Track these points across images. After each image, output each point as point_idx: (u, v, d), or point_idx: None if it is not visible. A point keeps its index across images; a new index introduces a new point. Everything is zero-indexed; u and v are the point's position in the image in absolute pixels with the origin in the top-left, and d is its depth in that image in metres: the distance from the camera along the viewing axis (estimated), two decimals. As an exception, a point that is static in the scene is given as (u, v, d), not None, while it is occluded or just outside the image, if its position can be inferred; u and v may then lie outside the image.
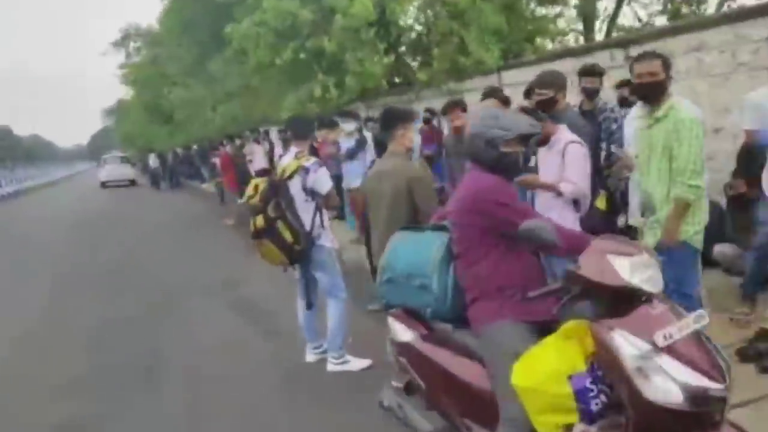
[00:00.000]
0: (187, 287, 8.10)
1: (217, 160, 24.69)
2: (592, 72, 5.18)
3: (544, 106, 4.27)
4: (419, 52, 10.84)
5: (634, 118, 4.31)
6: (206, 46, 17.79)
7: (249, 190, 4.82)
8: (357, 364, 4.83)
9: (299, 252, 4.70)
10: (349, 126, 8.89)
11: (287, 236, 4.66)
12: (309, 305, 4.92)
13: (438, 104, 11.23)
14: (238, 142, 16.17)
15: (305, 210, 4.74)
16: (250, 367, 5.17)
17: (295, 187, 4.74)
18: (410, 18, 11.83)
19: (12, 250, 13.08)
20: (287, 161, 4.87)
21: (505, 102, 5.19)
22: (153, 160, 31.02)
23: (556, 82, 4.43)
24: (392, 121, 3.89)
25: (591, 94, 5.12)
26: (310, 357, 5.03)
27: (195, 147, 31.03)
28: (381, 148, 4.48)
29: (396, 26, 11.26)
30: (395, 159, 3.89)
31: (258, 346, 5.66)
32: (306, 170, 4.74)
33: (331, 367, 4.83)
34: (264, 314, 6.63)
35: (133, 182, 34.07)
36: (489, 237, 2.78)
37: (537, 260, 2.91)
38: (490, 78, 9.26)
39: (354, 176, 8.85)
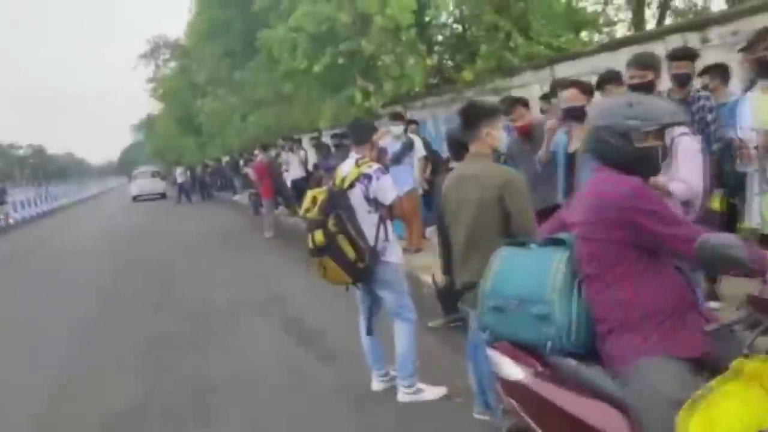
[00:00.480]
0: (232, 304, 7.67)
1: (249, 170, 24.63)
2: (683, 55, 4.60)
3: (640, 91, 3.70)
4: (460, 50, 10.30)
5: (754, 98, 3.72)
6: (236, 54, 17.50)
7: (306, 202, 4.35)
8: (431, 393, 4.32)
9: (363, 270, 4.20)
10: (397, 128, 8.41)
11: (349, 252, 4.17)
12: (368, 330, 4.41)
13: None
14: (273, 151, 15.82)
15: (368, 222, 4.26)
16: (312, 395, 4.69)
17: (356, 196, 4.26)
18: (447, 14, 11.30)
19: (52, 269, 12.84)
20: (347, 169, 4.39)
21: (590, 92, 4.62)
22: (180, 174, 30.79)
23: (654, 64, 3.89)
24: (475, 118, 3.36)
25: (683, 80, 4.54)
26: (377, 385, 4.53)
27: (226, 158, 30.90)
28: (457, 148, 3.94)
29: (435, 26, 10.76)
30: (481, 162, 3.36)
31: (316, 370, 5.18)
32: (368, 178, 4.26)
33: (403, 397, 4.32)
34: (316, 335, 6.15)
35: (163, 195, 34.67)
36: (630, 253, 2.25)
37: (682, 277, 2.37)
38: (540, 73, 8.69)
39: (401, 181, 8.34)
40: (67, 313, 8.29)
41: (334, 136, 12.06)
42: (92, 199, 49.69)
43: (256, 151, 23.55)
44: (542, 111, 8.00)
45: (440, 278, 5.57)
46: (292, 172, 14.43)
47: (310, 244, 4.26)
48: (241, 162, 24.21)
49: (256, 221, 17.22)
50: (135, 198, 34.52)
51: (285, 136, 15.48)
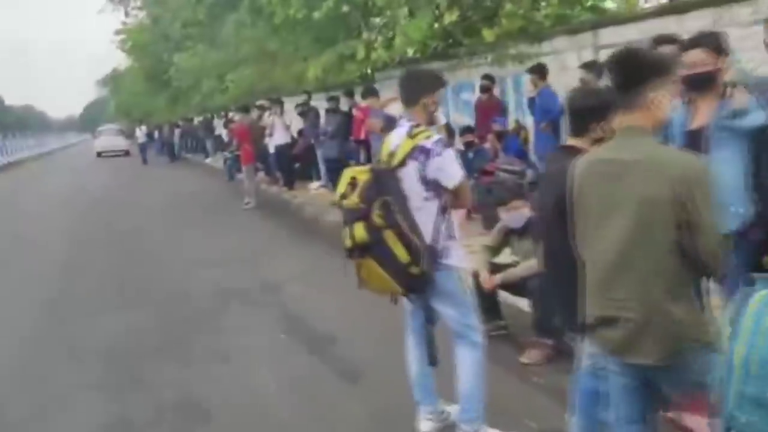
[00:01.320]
0: (217, 295, 6.48)
1: (224, 132, 23.12)
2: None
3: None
4: (477, 8, 9.11)
5: None
6: (216, 5, 16.00)
7: (342, 185, 3.24)
8: (502, 442, 3.30)
9: (417, 276, 3.12)
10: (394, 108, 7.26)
11: (400, 253, 3.08)
12: (432, 360, 3.30)
13: (496, 71, 9.59)
14: (255, 113, 14.51)
15: (425, 212, 3.16)
16: (337, 428, 3.63)
17: (409, 178, 3.16)
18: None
19: (7, 236, 11.46)
20: (397, 140, 3.27)
21: (721, 51, 3.55)
22: (141, 133, 28.68)
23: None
24: (642, 74, 2.24)
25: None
26: (426, 426, 3.45)
27: (199, 119, 29.23)
28: (582, 120, 2.77)
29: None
30: (641, 142, 2.24)
31: (337, 394, 4.08)
32: (425, 152, 3.14)
33: (466, 445, 3.28)
34: (326, 340, 5.03)
35: (126, 153, 34.47)
36: None
37: None
38: (580, 38, 7.57)
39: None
40: (8, 308, 6.66)
41: (331, 99, 10.88)
42: (52, 154, 47.28)
43: (231, 113, 22.26)
44: (583, 82, 6.95)
45: (487, 278, 4.56)
46: (276, 137, 13.17)
47: (348, 242, 3.17)
48: (218, 123, 22.74)
49: (232, 188, 15.94)
50: (99, 154, 34.72)
51: (270, 97, 14.14)
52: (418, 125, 3.24)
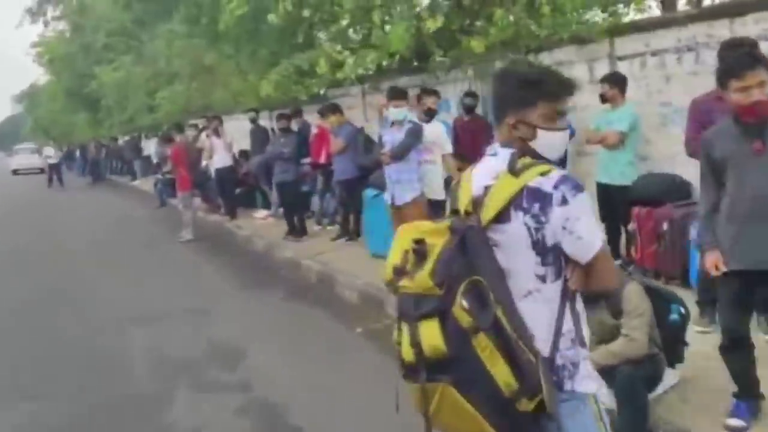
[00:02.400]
0: (156, 367, 4.99)
1: (152, 152, 21.14)
2: None
3: None
4: (468, 15, 7.92)
5: None
6: (147, 12, 14.34)
7: (396, 251, 1.92)
8: None
9: (528, 416, 1.81)
10: (398, 111, 5.97)
11: (501, 376, 1.78)
12: None
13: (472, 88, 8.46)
14: (190, 133, 12.87)
15: (540, 302, 1.88)
16: None
17: (514, 241, 1.86)
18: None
19: None
20: (485, 176, 1.96)
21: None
22: (50, 152, 25.81)
23: None
24: None
25: None
26: None
27: (124, 138, 27.04)
28: None
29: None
30: None
31: None
32: (541, 198, 1.85)
33: None
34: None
35: (42, 171, 32.10)
36: None
37: None
38: (593, 48, 6.45)
39: (405, 185, 5.95)
40: None
41: (281, 118, 9.49)
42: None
43: (163, 133, 20.43)
44: (603, 98, 5.85)
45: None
46: (217, 159, 11.61)
47: (408, 353, 1.84)
48: (146, 143, 20.78)
49: (165, 215, 14.23)
50: (15, 172, 36.01)
51: (207, 115, 12.57)
52: (522, 154, 1.95)
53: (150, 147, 21.21)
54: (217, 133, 11.67)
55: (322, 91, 12.84)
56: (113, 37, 16.89)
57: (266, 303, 6.63)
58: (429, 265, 1.82)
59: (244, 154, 12.85)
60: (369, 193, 7.47)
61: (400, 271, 1.92)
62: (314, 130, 10.08)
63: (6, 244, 11.55)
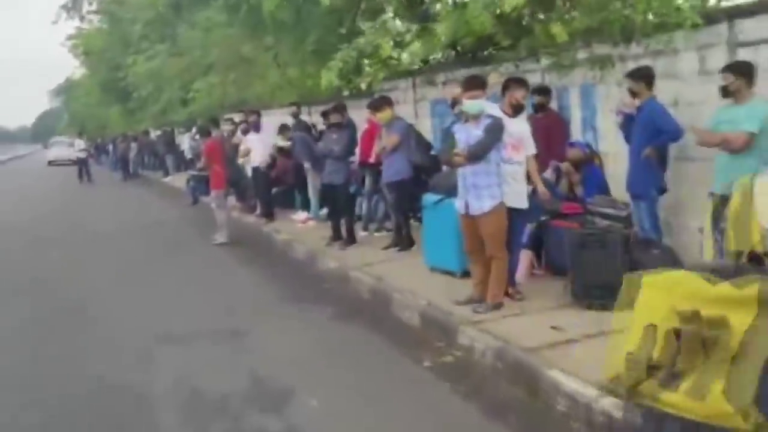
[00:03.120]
0: (183, 406, 4.12)
1: (186, 147, 20.43)
2: None
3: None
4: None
5: None
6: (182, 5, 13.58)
7: (634, 334, 1.12)
8: None
9: None
10: (474, 104, 5.03)
11: None
12: None
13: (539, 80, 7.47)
14: (226, 128, 12.13)
15: None
16: None
17: None
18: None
19: None
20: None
21: None
22: (79, 145, 24.95)
23: None
24: None
25: None
26: None
27: (157, 132, 26.51)
28: None
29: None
30: None
31: None
32: None
33: None
34: None
35: (74, 162, 32.50)
36: None
37: None
38: (706, 33, 5.42)
39: (483, 191, 5.02)
40: None
41: (330, 113, 8.62)
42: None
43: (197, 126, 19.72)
44: (726, 91, 4.84)
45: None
46: (255, 156, 10.80)
47: None
48: (184, 136, 20.08)
49: (197, 214, 13.48)
50: (50, 162, 38.78)
51: (245, 109, 11.77)
52: None
53: (184, 142, 20.54)
54: (255, 128, 10.86)
55: (363, 86, 12.03)
56: (150, 25, 16.16)
57: (312, 323, 5.75)
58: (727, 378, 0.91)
59: (282, 150, 12.01)
60: (429, 198, 6.54)
61: (653, 369, 1.02)
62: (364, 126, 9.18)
63: (23, 249, 10.88)
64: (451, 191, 5.82)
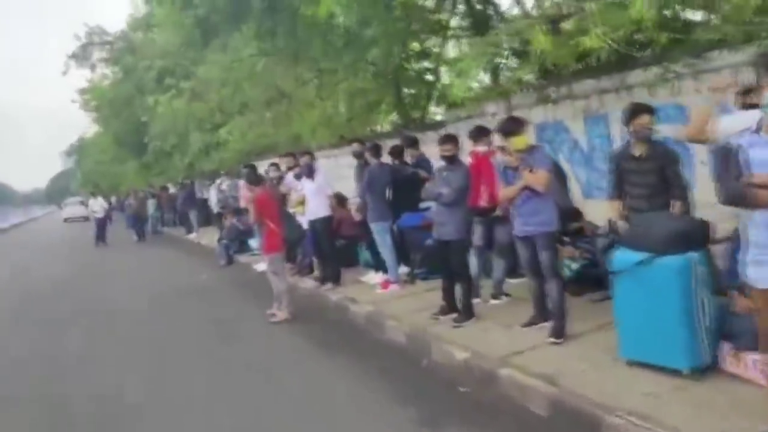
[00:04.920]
0: None
1: (213, 199, 18.20)
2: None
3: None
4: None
5: None
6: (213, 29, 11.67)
7: None
8: None
9: None
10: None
11: None
12: None
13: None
14: (273, 174, 10.06)
15: None
16: None
17: None
18: None
19: None
20: None
21: None
22: (95, 205, 22.18)
23: None
24: None
25: None
26: None
27: (176, 186, 24.52)
28: None
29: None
30: None
31: None
32: None
33: None
34: None
35: (86, 219, 34.70)
36: None
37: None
38: None
39: None
40: None
41: (445, 141, 6.40)
42: (6, 232, 41.97)
43: (222, 178, 17.76)
44: None
45: None
46: (313, 206, 8.69)
47: None
48: (211, 187, 18.02)
49: (237, 278, 11.39)
50: (65, 220, 44.10)
51: (294, 152, 9.70)
52: None
53: (210, 193, 18.53)
54: (309, 172, 8.77)
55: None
56: (169, 63, 14.32)
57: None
58: None
59: (341, 200, 9.93)
60: (625, 257, 4.34)
61: None
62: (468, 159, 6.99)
63: (30, 338, 8.74)
64: (661, 246, 3.83)
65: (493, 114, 8.58)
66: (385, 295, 7.69)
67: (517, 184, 5.34)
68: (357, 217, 8.51)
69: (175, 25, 10.52)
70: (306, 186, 8.79)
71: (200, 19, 9.42)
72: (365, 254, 9.59)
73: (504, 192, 5.52)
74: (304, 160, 8.78)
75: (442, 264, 6.31)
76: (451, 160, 6.10)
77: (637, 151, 4.67)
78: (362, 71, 9.60)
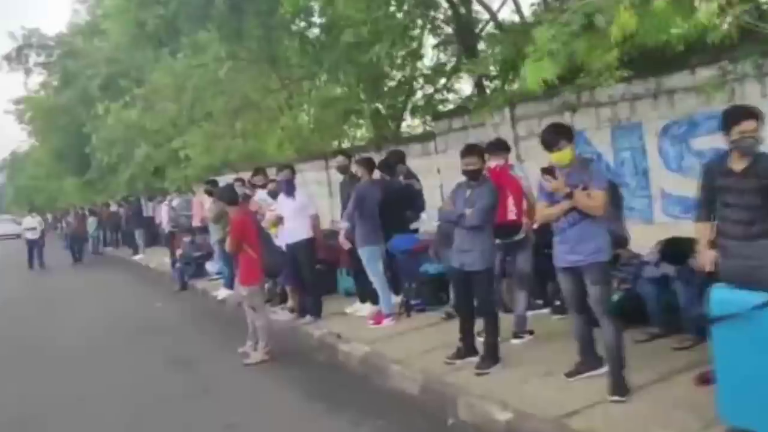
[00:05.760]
0: None
1: (164, 217, 16.60)
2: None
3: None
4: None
5: None
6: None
7: None
8: None
9: None
10: None
11: None
12: None
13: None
14: (239, 191, 8.90)
15: None
16: None
17: None
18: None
19: None
20: None
21: None
22: (33, 222, 19.97)
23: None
24: None
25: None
26: None
27: (117, 204, 22.78)
28: None
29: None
30: None
31: None
32: None
33: None
34: None
35: (18, 236, 29.82)
36: None
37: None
38: None
39: None
40: None
41: (468, 152, 5.36)
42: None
43: (171, 196, 16.36)
44: None
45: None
46: (290, 229, 7.60)
47: None
48: (161, 205, 16.63)
49: (196, 307, 10.17)
50: None
51: (280, 164, 8.55)
52: None
53: (162, 212, 17.09)
54: (288, 189, 7.68)
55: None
56: (118, 69, 12.98)
57: None
58: None
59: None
60: (732, 296, 3.46)
61: None
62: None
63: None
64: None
65: (495, 125, 7.72)
66: (379, 332, 6.65)
67: (563, 203, 4.42)
68: (345, 245, 7.30)
69: (128, 24, 9.30)
70: (284, 205, 7.70)
71: (163, 19, 8.29)
72: (346, 281, 8.58)
73: (546, 212, 4.60)
74: (283, 174, 7.68)
75: (460, 299, 5.34)
76: (476, 175, 5.14)
77: (738, 165, 3.81)
78: (346, 75, 8.60)
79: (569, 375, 4.60)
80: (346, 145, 12.65)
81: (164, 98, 10.78)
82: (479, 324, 5.24)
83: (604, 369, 4.48)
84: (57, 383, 6.62)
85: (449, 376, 5.04)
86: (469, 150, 5.20)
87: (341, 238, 7.16)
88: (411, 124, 12.88)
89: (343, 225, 6.92)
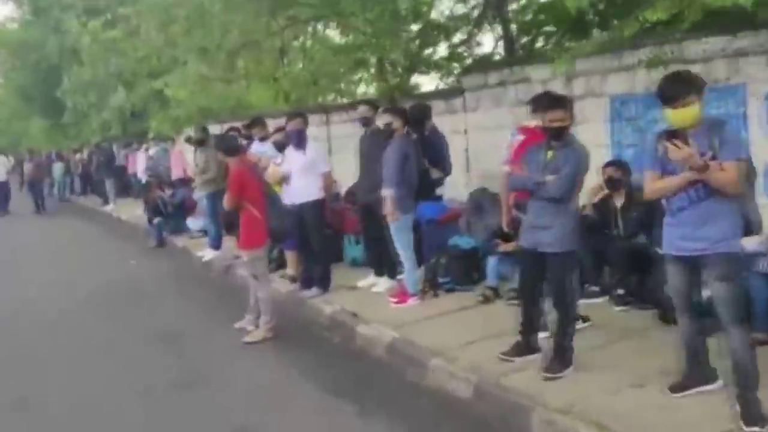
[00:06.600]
0: None
1: (139, 168, 15.23)
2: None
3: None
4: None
5: None
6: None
7: None
8: None
9: None
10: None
11: None
12: None
13: None
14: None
15: None
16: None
17: None
18: None
19: None
20: None
21: None
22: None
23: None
24: None
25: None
26: None
27: (90, 148, 21.15)
28: None
29: None
30: None
31: None
32: None
33: None
34: None
35: None
36: None
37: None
38: None
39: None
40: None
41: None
42: None
43: (148, 144, 15.05)
44: None
45: None
46: (298, 187, 6.48)
47: None
48: (138, 152, 15.30)
49: (179, 269, 9.06)
50: None
51: (290, 113, 7.38)
52: None
53: (138, 160, 15.74)
54: (298, 141, 6.55)
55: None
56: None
57: None
58: None
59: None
60: None
61: None
62: (517, 137, 4.98)
63: None
64: None
65: (543, 81, 6.67)
66: (403, 313, 5.64)
67: (685, 174, 3.42)
68: (396, 217, 5.93)
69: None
70: (293, 159, 6.56)
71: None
72: (354, 249, 7.56)
73: (658, 186, 3.59)
74: (294, 123, 6.53)
75: (527, 282, 4.34)
76: (561, 134, 4.10)
77: None
78: (365, 17, 7.46)
79: (673, 390, 3.66)
80: (344, 101, 11.55)
81: (151, 25, 9.39)
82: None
83: (716, 385, 3.60)
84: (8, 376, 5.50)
85: (510, 378, 4.08)
86: (557, 102, 4.15)
87: (388, 208, 5.88)
88: (417, 81, 11.87)
89: (388, 192, 5.72)
